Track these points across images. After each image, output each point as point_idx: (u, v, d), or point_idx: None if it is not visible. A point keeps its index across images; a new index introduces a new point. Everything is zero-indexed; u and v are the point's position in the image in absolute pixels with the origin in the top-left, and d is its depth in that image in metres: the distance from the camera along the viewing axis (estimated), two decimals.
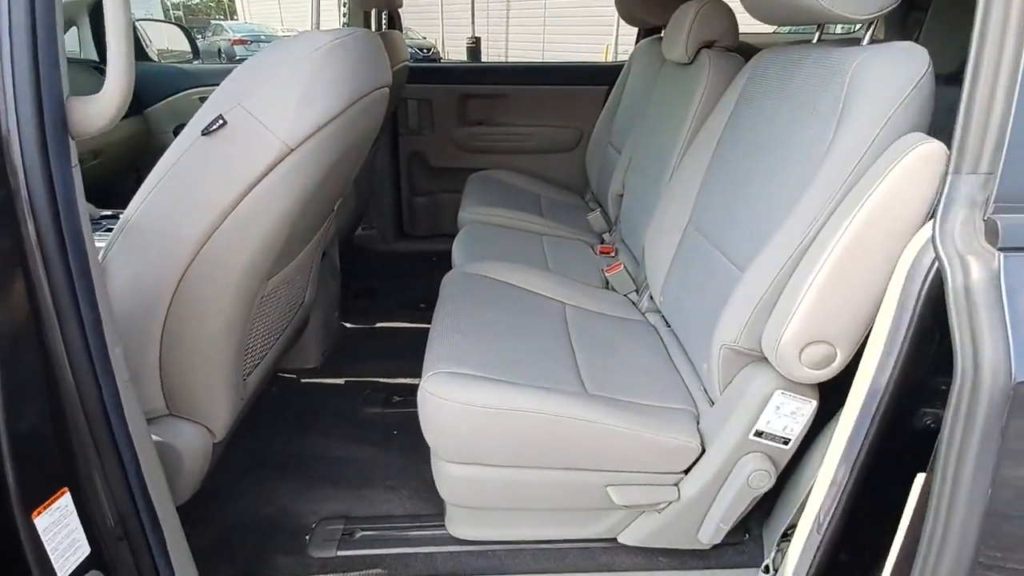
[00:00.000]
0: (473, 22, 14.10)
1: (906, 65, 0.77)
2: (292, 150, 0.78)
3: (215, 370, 0.91)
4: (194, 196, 0.77)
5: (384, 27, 2.02)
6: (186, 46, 2.76)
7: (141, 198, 0.78)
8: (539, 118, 2.35)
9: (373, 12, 1.89)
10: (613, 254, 1.72)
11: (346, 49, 0.83)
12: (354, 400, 1.50)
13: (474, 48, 14.13)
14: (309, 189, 0.84)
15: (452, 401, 0.91)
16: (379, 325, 1.90)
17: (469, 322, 1.13)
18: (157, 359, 0.86)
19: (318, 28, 0.93)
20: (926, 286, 0.65)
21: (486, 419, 0.91)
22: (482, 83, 2.33)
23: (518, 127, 2.36)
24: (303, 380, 1.58)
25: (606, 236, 1.89)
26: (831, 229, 0.78)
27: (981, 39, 0.59)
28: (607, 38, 11.17)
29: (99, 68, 2.10)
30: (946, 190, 0.64)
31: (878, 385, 0.71)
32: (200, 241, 0.78)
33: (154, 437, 0.90)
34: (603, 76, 2.27)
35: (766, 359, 0.87)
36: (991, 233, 0.61)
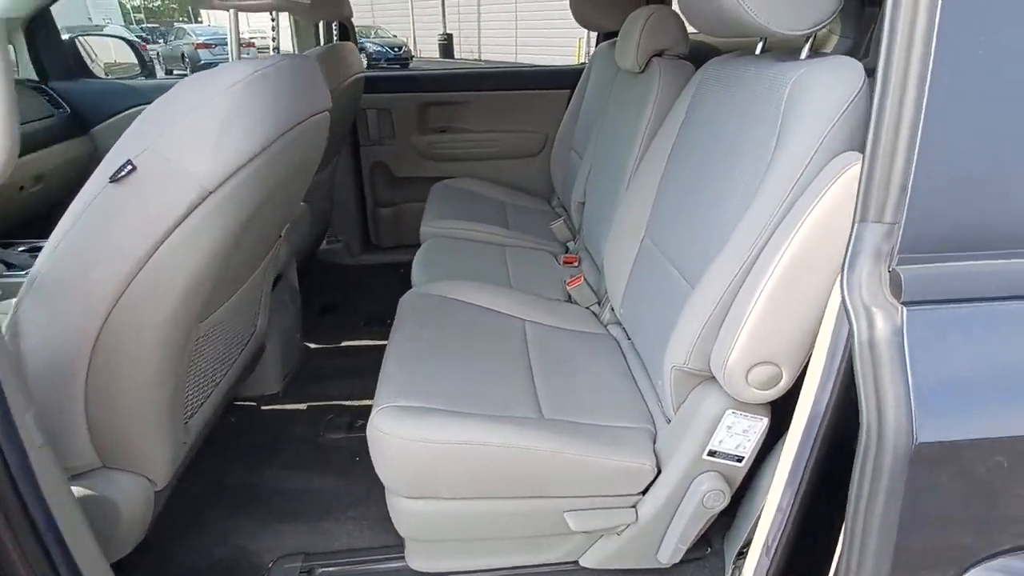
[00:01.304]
0: (444, 18, 13.95)
1: (841, 82, 0.76)
2: (210, 192, 0.74)
3: (149, 419, 0.88)
4: (105, 247, 0.73)
5: (336, 39, 1.97)
6: (134, 59, 2.66)
7: (48, 251, 0.74)
8: (502, 123, 2.32)
9: (322, 24, 1.83)
10: (577, 264, 1.71)
11: (267, 81, 0.79)
12: (316, 426, 1.47)
13: (446, 44, 13.98)
14: (234, 230, 0.80)
15: (401, 437, 0.89)
16: (344, 344, 1.86)
17: (424, 348, 1.10)
18: (83, 414, 0.82)
19: (238, 58, 0.88)
20: None
21: (437, 453, 0.89)
22: (441, 90, 2.29)
23: (481, 133, 2.33)
24: (263, 407, 1.54)
25: (570, 244, 1.87)
26: (771, 250, 0.77)
27: (883, 89, 0.58)
28: (580, 30, 11.14)
29: (39, 88, 2.01)
30: (852, 239, 0.63)
31: (818, 409, 0.71)
32: (116, 293, 0.74)
33: (87, 492, 0.86)
34: (565, 79, 2.25)
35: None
36: (895, 286, 0.59)
